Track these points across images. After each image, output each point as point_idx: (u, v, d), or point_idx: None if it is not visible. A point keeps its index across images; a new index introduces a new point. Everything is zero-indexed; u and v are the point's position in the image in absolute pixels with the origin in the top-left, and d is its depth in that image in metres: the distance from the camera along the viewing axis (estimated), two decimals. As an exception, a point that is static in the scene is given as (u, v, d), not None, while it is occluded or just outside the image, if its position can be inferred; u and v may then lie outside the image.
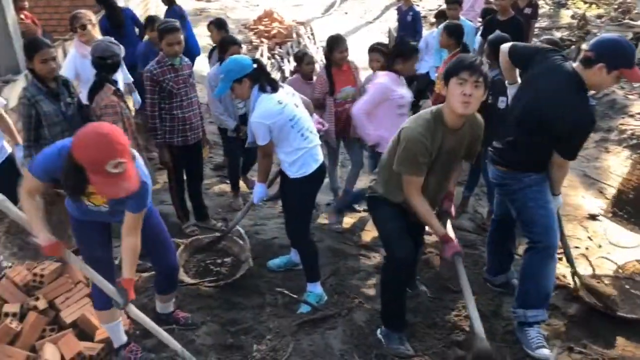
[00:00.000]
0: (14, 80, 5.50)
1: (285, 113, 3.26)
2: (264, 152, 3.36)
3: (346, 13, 13.49)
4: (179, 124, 4.15)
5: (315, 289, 3.58)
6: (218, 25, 5.33)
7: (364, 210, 5.04)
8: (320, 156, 3.48)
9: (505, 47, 3.18)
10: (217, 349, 3.08)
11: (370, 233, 4.65)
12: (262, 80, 3.26)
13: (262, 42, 10.35)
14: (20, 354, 2.92)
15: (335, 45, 4.44)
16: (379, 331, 3.16)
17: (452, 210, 3.16)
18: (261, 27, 11.12)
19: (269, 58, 9.28)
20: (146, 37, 5.79)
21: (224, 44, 4.56)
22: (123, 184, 2.20)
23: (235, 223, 3.99)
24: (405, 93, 4.10)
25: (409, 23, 7.39)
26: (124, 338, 2.98)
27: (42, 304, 3.21)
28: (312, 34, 10.83)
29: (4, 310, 3.12)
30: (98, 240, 2.79)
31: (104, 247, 2.84)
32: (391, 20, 11.34)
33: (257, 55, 9.12)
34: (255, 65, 3.26)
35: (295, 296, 3.53)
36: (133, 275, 2.71)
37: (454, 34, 4.92)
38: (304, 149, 3.35)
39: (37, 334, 3.09)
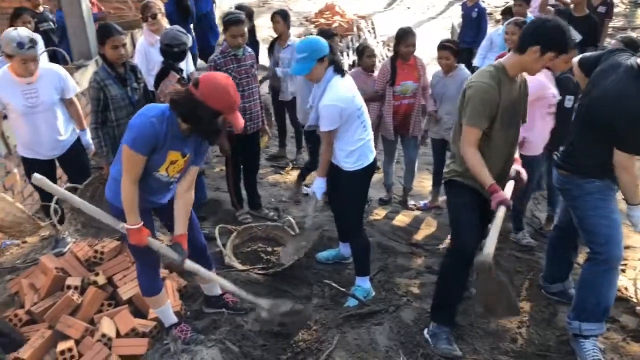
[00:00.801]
0: (85, 65, 5.78)
1: (355, 102, 3.27)
2: (328, 140, 3.31)
3: (409, 8, 13.31)
4: None
5: (364, 284, 3.57)
6: (284, 15, 5.38)
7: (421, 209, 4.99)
8: (374, 149, 3.48)
9: (576, 59, 3.14)
10: (264, 335, 3.12)
11: (422, 232, 4.59)
12: (336, 62, 3.25)
13: (322, 35, 10.36)
14: (80, 324, 3.08)
15: (404, 38, 4.44)
16: (426, 330, 3.11)
17: (524, 175, 3.00)
18: (322, 20, 11.14)
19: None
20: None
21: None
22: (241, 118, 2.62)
23: (309, 223, 3.86)
24: (556, 92, 3.86)
25: (474, 19, 7.21)
26: (174, 319, 3.07)
27: (101, 279, 3.37)
28: (373, 28, 10.75)
29: (67, 282, 3.29)
30: (150, 227, 2.87)
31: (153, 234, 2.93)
32: (455, 16, 11.09)
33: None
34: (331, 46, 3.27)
35: (343, 289, 3.53)
36: (185, 231, 2.84)
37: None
38: (363, 140, 3.34)
39: (96, 307, 3.25)
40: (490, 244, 2.61)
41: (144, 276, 2.91)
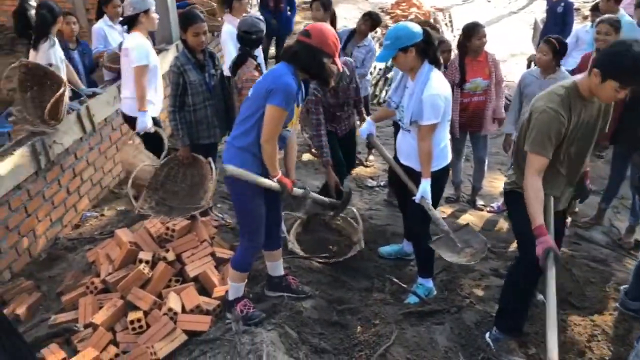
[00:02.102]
0: (166, 49, 6.00)
1: (450, 99, 3.17)
2: (431, 134, 3.12)
3: (489, 1, 12.85)
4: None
5: (426, 282, 3.51)
6: (324, 4, 5.04)
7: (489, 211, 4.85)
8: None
9: None
10: (322, 323, 3.15)
11: (490, 233, 4.45)
12: (432, 53, 3.09)
13: (397, 27, 10.21)
14: (148, 297, 3.23)
15: (474, 32, 4.26)
16: (488, 334, 3.02)
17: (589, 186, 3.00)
18: (398, 12, 10.97)
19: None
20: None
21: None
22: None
23: (445, 226, 3.36)
24: None
25: (559, 15, 6.84)
26: (242, 293, 3.15)
27: (171, 256, 3.51)
28: (450, 21, 10.48)
29: (140, 256, 3.45)
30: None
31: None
32: (538, 11, 10.61)
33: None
34: (424, 35, 3.05)
35: (404, 285, 3.49)
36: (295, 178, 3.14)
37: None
38: (444, 140, 3.27)
39: (164, 282, 3.39)
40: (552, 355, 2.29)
41: (246, 252, 3.02)
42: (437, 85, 3.06)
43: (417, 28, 3.05)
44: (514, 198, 2.90)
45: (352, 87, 4.11)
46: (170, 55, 6.03)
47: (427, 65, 3.09)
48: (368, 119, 3.65)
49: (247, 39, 3.90)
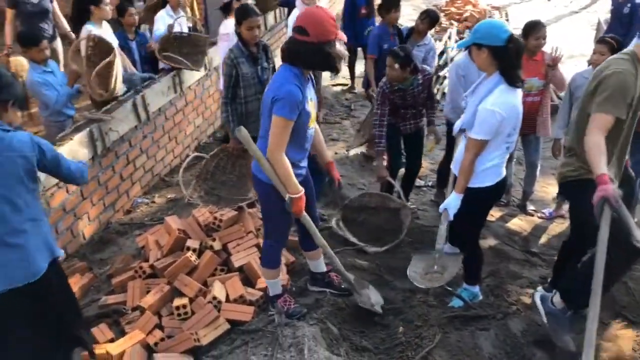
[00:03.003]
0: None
1: (517, 118, 2.88)
2: (476, 150, 2.87)
3: (549, 0, 12.42)
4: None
5: (472, 287, 3.43)
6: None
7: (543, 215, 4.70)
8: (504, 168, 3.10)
9: None
10: (363, 322, 3.13)
11: (540, 240, 4.31)
12: (505, 64, 2.77)
13: (451, 24, 10.03)
14: (194, 284, 3.29)
15: (533, 30, 4.10)
16: (540, 300, 2.96)
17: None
18: (453, 9, 10.76)
19: (456, 41, 8.96)
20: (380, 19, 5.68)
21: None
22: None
23: (440, 245, 3.22)
24: None
25: (625, 15, 6.52)
26: (280, 290, 3.17)
27: (217, 245, 3.57)
28: (507, 20, 10.18)
29: (187, 244, 3.53)
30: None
31: None
32: (602, 11, 10.17)
33: (445, 38, 8.87)
34: (508, 44, 2.73)
35: (449, 288, 3.42)
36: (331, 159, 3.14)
37: None
38: (497, 160, 2.95)
39: (210, 271, 3.45)
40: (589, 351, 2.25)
41: (272, 250, 3.02)
42: (498, 101, 2.76)
43: (503, 32, 2.74)
44: (574, 188, 2.78)
45: (423, 95, 4.12)
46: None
47: (498, 76, 2.80)
48: (462, 116, 3.45)
49: None
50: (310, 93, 2.77)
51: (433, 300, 3.45)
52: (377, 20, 6.17)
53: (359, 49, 6.93)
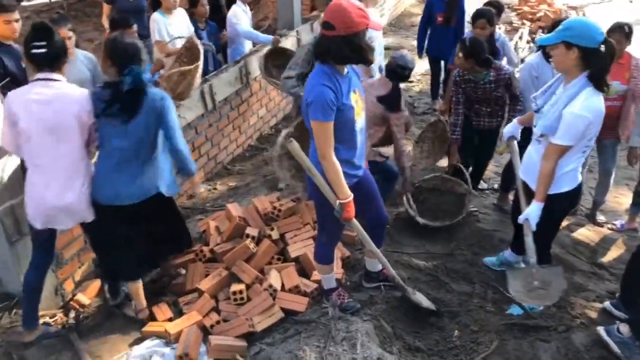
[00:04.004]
0: (287, 35, 6.16)
1: (601, 123, 2.74)
2: (558, 156, 2.74)
3: (631, 1, 11.75)
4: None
5: (533, 295, 3.31)
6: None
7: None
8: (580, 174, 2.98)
9: None
10: (418, 322, 3.08)
11: (609, 253, 4.09)
12: (595, 68, 2.63)
13: (523, 24, 9.68)
14: (251, 271, 3.35)
15: (614, 33, 3.88)
16: (605, 333, 2.84)
17: None
18: (526, 9, 10.38)
19: (528, 42, 8.65)
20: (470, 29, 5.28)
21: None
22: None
23: (533, 258, 3.02)
24: None
25: None
26: (334, 284, 3.17)
27: (275, 234, 3.62)
28: (584, 22, 9.71)
29: (247, 231, 3.59)
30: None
31: None
32: (690, 14, 9.51)
33: (516, 39, 8.57)
34: (601, 46, 2.60)
35: (509, 294, 3.31)
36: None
37: None
38: (576, 163, 2.85)
39: (267, 259, 3.50)
40: None
41: (324, 246, 3.02)
42: (586, 105, 2.63)
43: (599, 34, 2.61)
44: None
45: (496, 94, 4.01)
46: (290, 40, 6.19)
47: (585, 79, 2.66)
48: (514, 121, 3.36)
49: (401, 74, 3.82)
50: (354, 84, 2.69)
51: (491, 307, 3.36)
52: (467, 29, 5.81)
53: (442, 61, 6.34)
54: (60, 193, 2.76)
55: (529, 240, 2.94)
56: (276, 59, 5.25)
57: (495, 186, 4.92)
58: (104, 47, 2.94)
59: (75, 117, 2.74)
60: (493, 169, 5.30)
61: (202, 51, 4.38)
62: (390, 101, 3.82)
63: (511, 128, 3.32)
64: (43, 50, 2.69)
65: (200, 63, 4.29)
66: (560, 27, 2.69)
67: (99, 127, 2.82)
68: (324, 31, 2.52)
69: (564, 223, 4.43)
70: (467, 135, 4.31)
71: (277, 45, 5.51)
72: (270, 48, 5.34)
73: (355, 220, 2.78)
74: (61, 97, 2.72)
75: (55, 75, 2.75)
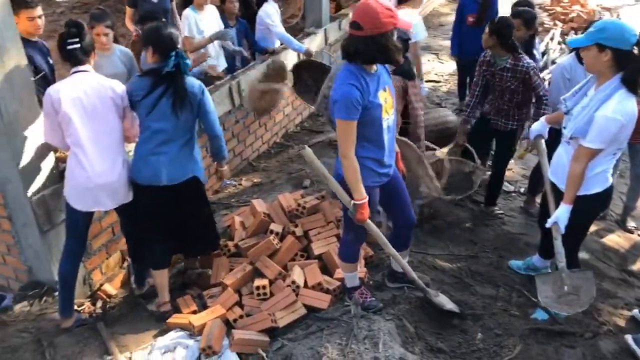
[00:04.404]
0: (314, 33, 6.17)
1: (633, 122, 2.68)
2: (588, 158, 2.71)
3: (668, 3, 11.43)
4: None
5: (559, 300, 3.25)
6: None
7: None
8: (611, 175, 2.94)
9: None
10: (441, 323, 3.06)
11: (637, 260, 4.00)
12: (630, 70, 2.59)
13: (555, 25, 9.49)
14: (275, 267, 3.37)
15: None
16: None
17: None
18: (558, 9, 10.18)
19: (559, 43, 8.48)
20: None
21: None
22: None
23: (562, 262, 3.00)
24: None
25: None
26: (357, 283, 3.17)
27: (299, 231, 3.63)
28: (618, 23, 9.49)
29: (271, 227, 3.62)
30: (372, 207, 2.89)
31: None
32: None
33: (547, 40, 8.43)
34: (635, 48, 2.56)
35: (535, 299, 3.26)
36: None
37: None
38: (606, 165, 2.82)
39: (291, 255, 3.52)
40: None
41: (349, 245, 3.02)
42: (618, 108, 2.59)
43: (633, 35, 2.56)
44: None
45: (510, 86, 3.90)
46: (318, 38, 6.20)
47: (618, 81, 2.63)
48: (542, 119, 3.32)
49: (403, 45, 3.84)
50: (384, 82, 2.68)
51: (515, 310, 3.32)
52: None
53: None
54: (102, 172, 2.89)
55: (557, 244, 2.90)
56: (310, 70, 5.30)
57: (522, 189, 4.85)
58: (143, 38, 3.04)
59: (111, 101, 2.90)
60: (520, 171, 5.23)
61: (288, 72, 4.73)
62: (404, 70, 3.92)
63: (539, 126, 3.27)
64: (77, 45, 2.85)
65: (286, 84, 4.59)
66: (592, 28, 2.65)
67: (140, 111, 2.95)
68: (352, 31, 2.52)
69: (594, 228, 4.35)
70: (483, 135, 4.27)
71: (309, 57, 5.53)
72: (301, 60, 5.38)
73: (370, 222, 2.79)
74: (96, 84, 2.88)
75: (88, 67, 2.91)
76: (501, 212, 4.51)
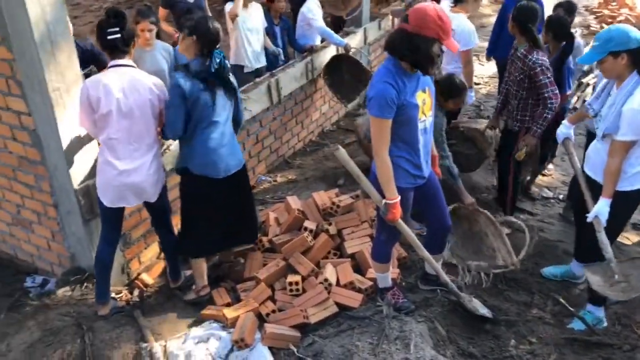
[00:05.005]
0: (354, 32, 6.18)
1: None
2: (623, 153, 2.79)
3: None
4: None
5: (597, 311, 3.17)
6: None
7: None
8: None
9: None
10: (473, 328, 3.03)
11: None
12: None
13: (602, 27, 9.23)
14: (308, 264, 3.40)
15: None
16: None
17: None
18: (605, 12, 9.90)
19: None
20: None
21: None
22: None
23: (609, 253, 2.97)
24: None
25: None
26: (390, 283, 3.17)
27: (333, 229, 3.65)
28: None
29: (305, 224, 3.65)
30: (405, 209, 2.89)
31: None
32: None
33: (592, 43, 8.19)
34: None
35: (571, 309, 3.20)
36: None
37: None
38: None
39: (324, 253, 3.54)
40: None
41: (382, 245, 3.03)
42: None
43: (635, 33, 2.72)
44: None
45: (517, 77, 3.80)
46: (358, 37, 6.20)
47: (637, 76, 2.75)
48: (565, 121, 3.35)
49: None
50: (424, 83, 2.67)
51: (550, 319, 3.26)
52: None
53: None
54: (131, 172, 2.92)
55: (601, 237, 2.93)
56: (349, 65, 5.37)
57: (561, 196, 4.75)
58: (189, 26, 2.98)
59: (149, 102, 2.92)
60: (560, 177, 5.11)
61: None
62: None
63: (564, 130, 3.33)
64: (117, 35, 2.84)
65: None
66: (597, 42, 2.79)
67: (199, 108, 2.97)
68: (401, 23, 2.56)
69: (635, 238, 4.24)
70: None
71: (348, 51, 5.56)
72: (340, 53, 5.41)
73: (401, 222, 2.78)
74: (136, 82, 2.89)
75: (127, 61, 2.92)
76: (539, 218, 4.43)
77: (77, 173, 3.13)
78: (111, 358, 2.87)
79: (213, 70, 2.94)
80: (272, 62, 5.45)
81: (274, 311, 3.16)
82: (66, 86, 2.96)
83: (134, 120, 2.88)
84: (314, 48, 5.50)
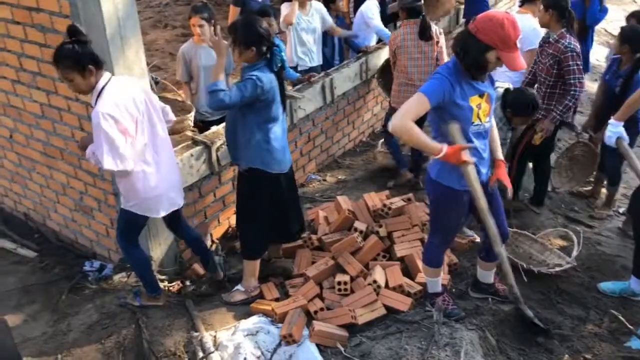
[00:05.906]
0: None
1: None
2: None
3: None
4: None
5: (657, 330, 3.05)
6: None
7: None
8: None
9: None
10: (524, 339, 2.95)
11: None
12: None
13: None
14: (357, 265, 3.41)
15: None
16: None
17: None
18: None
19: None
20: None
21: None
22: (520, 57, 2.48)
23: None
24: None
25: None
26: (440, 289, 3.14)
27: (383, 232, 3.64)
28: None
29: (355, 225, 3.65)
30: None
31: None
32: None
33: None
34: None
35: (630, 327, 3.07)
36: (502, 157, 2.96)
37: None
38: None
39: (373, 255, 3.54)
40: None
41: (434, 249, 3.00)
42: None
43: None
44: None
45: (547, 61, 3.75)
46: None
47: None
48: (611, 120, 3.19)
49: (418, 9, 4.40)
50: (483, 88, 2.63)
51: (607, 335, 3.14)
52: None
53: None
54: (166, 173, 2.98)
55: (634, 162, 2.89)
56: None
57: (622, 209, 4.57)
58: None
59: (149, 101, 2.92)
60: (622, 190, 4.91)
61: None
62: (423, 32, 4.28)
63: (613, 129, 3.18)
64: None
65: None
66: None
67: (273, 104, 3.03)
68: (470, 22, 2.55)
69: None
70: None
71: None
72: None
73: (472, 171, 2.61)
74: (138, 91, 2.85)
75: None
76: (597, 230, 4.27)
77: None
78: (164, 345, 2.96)
79: (276, 69, 2.99)
80: (329, 61, 5.49)
81: (322, 309, 3.18)
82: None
83: (154, 127, 2.90)
84: (368, 49, 5.50)
